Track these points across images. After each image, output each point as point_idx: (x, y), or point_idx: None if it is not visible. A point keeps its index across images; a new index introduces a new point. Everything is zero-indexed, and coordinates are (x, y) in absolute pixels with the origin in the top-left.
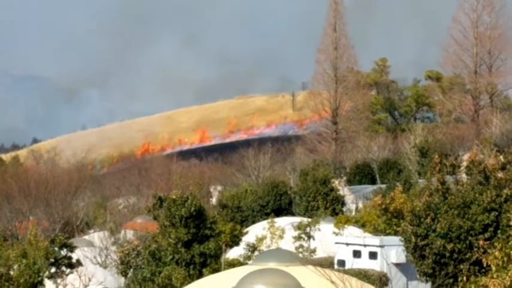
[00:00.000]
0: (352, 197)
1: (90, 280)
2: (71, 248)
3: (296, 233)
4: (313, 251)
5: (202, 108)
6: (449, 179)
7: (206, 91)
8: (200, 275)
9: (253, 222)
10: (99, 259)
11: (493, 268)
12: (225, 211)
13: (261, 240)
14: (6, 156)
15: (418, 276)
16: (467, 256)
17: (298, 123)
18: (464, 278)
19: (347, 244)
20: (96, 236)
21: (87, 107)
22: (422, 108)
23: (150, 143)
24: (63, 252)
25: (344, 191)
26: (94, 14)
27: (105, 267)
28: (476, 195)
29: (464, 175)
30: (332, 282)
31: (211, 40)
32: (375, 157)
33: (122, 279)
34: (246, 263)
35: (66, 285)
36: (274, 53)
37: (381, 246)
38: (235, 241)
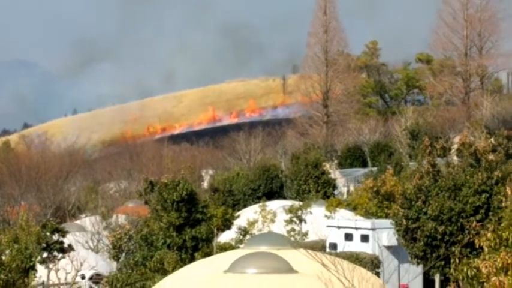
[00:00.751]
0: (343, 180)
1: (82, 265)
2: (63, 233)
3: (287, 217)
4: (305, 234)
5: (191, 92)
6: (440, 161)
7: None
8: (192, 259)
9: (245, 206)
10: (91, 244)
11: (485, 250)
12: (216, 195)
13: (252, 223)
14: None
15: (409, 258)
16: (458, 238)
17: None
18: (457, 260)
19: (338, 227)
20: (87, 221)
21: (77, 91)
22: (412, 91)
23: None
24: (55, 237)
25: (335, 174)
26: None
27: (97, 252)
28: (467, 177)
29: (455, 157)
30: (324, 265)
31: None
32: (366, 140)
33: (114, 264)
34: (238, 247)
35: (58, 270)
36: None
37: (373, 229)
38: (226, 225)
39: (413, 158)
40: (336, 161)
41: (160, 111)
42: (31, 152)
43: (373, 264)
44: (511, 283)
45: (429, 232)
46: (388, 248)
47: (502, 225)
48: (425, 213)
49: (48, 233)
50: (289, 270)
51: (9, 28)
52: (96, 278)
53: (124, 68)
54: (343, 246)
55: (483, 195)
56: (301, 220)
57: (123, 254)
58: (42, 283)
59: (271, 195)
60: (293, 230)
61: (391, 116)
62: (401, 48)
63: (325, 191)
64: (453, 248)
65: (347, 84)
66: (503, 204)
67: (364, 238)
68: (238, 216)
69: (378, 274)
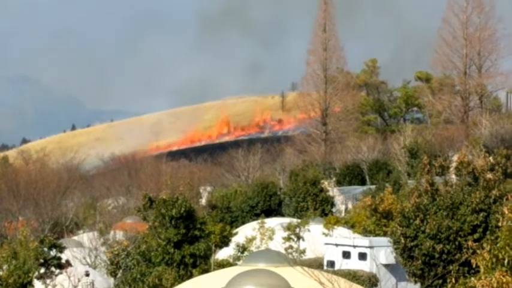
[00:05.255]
0: (341, 198)
1: (79, 281)
2: (61, 249)
3: (286, 234)
4: (303, 251)
5: (188, 109)
6: (438, 180)
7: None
8: (190, 276)
9: (243, 223)
10: (88, 260)
11: (482, 269)
12: (214, 212)
13: (250, 241)
14: None
15: (407, 277)
16: (456, 257)
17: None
18: (453, 279)
19: (336, 245)
20: (85, 237)
21: (76, 108)
22: (411, 109)
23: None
24: (53, 252)
25: (333, 191)
26: (85, 14)
27: (94, 268)
28: (465, 196)
29: (453, 176)
30: (321, 283)
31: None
32: (365, 158)
33: (112, 280)
34: (236, 264)
35: (55, 285)
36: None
37: (370, 247)
38: (224, 242)
39: (411, 176)
40: (334, 179)
41: (159, 128)
42: (29, 168)
43: (370, 282)
44: None
45: (427, 250)
46: (386, 266)
47: (498, 245)
48: (423, 232)
49: (45, 249)
50: (287, 287)
51: (10, 43)
52: None
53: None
54: (341, 264)
55: (481, 214)
56: (299, 237)
57: (121, 271)
58: None
59: (269, 212)
60: (291, 247)
61: (389, 134)
62: (400, 67)
63: (324, 209)
64: (450, 267)
65: (346, 102)
66: (500, 224)
67: (362, 256)
68: (236, 233)
69: None
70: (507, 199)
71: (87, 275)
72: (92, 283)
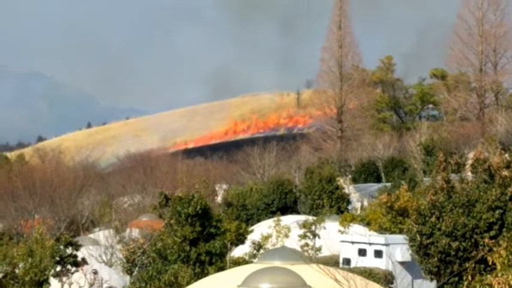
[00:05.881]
0: (357, 195)
1: (95, 279)
2: (76, 247)
3: (301, 232)
4: (319, 249)
5: (204, 107)
6: (454, 177)
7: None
8: (206, 274)
9: (259, 221)
10: (104, 257)
11: (498, 266)
12: (230, 209)
13: (266, 238)
14: (12, 155)
15: (423, 274)
16: (472, 254)
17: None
18: (470, 277)
19: (352, 242)
20: (101, 235)
21: (91, 105)
22: (427, 107)
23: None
24: (69, 250)
25: (349, 189)
26: (99, 10)
27: (110, 266)
28: (481, 193)
29: (469, 173)
30: (337, 280)
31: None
32: (380, 155)
33: (127, 278)
34: (252, 262)
35: (71, 283)
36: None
37: (386, 245)
38: (240, 239)
39: (427, 173)
40: (350, 176)
41: (175, 126)
42: (45, 166)
43: (386, 280)
44: None
45: (443, 248)
46: (402, 263)
47: None
48: (439, 229)
49: (62, 247)
50: (303, 285)
51: (25, 39)
52: None
53: (145, 81)
54: (357, 262)
55: (497, 212)
56: (314, 235)
57: (137, 268)
58: None
59: (285, 210)
60: (307, 245)
61: (405, 132)
62: (416, 64)
63: (339, 206)
64: (467, 264)
65: (361, 99)
66: None
67: (378, 253)
68: (252, 231)
69: None
70: None
71: (95, 273)
72: (101, 280)
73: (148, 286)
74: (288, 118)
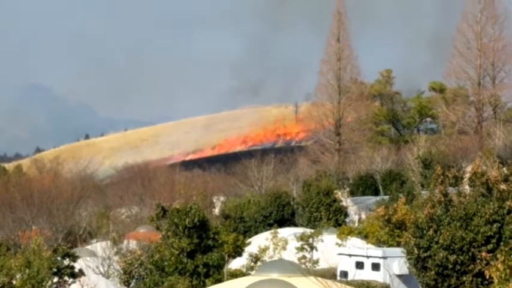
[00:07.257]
0: (355, 208)
1: None
2: (74, 258)
3: (299, 244)
4: (316, 262)
5: (202, 119)
6: (452, 190)
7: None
8: (203, 286)
9: (256, 233)
10: (101, 269)
11: (496, 280)
12: (228, 221)
13: (263, 250)
14: (9, 166)
15: (420, 287)
16: (469, 268)
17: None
18: None
19: (350, 255)
20: (98, 246)
21: (89, 116)
22: (425, 120)
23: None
24: (66, 261)
25: (347, 202)
26: (97, 22)
27: (107, 277)
28: (479, 207)
29: (467, 187)
30: None
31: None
32: (378, 168)
33: None
34: (249, 274)
35: None
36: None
37: (384, 258)
38: (238, 251)
39: (425, 186)
40: (347, 189)
41: (173, 138)
42: (43, 177)
43: None
44: None
45: (440, 261)
46: (399, 276)
47: None
48: (437, 242)
49: (59, 258)
50: None
51: (24, 52)
52: None
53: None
54: (354, 275)
55: (495, 225)
56: (312, 248)
57: (134, 280)
58: None
59: (282, 222)
60: (304, 257)
61: (403, 145)
62: (414, 77)
63: (337, 219)
64: (464, 278)
65: (360, 112)
66: None
67: (375, 266)
68: (249, 243)
69: None
70: None
71: None
72: None
73: None
74: (286, 131)
